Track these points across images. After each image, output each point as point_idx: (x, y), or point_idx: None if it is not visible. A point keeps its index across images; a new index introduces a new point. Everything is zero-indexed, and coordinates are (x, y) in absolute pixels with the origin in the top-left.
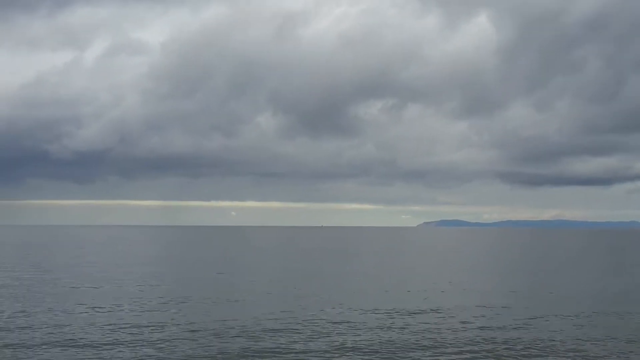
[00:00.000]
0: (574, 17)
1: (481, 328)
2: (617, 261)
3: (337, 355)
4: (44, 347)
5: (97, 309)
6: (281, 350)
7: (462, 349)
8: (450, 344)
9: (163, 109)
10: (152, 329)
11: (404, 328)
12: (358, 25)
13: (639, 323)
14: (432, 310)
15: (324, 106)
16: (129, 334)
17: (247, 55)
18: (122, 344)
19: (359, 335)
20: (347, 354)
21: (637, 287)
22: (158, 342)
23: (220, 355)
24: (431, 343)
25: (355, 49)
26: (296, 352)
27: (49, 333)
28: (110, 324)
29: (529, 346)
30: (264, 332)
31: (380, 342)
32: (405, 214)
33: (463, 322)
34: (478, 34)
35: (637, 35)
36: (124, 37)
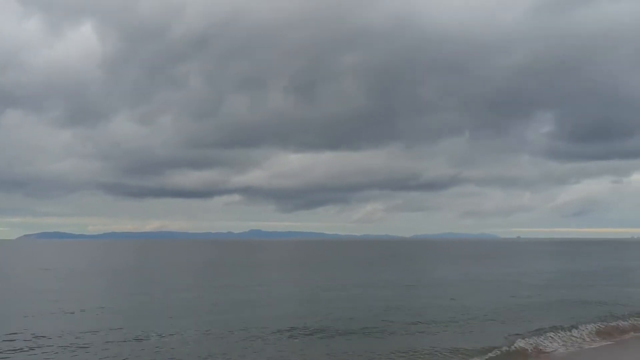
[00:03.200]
0: (177, 34)
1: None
2: (212, 270)
3: None
4: None
5: None
6: None
7: None
8: None
9: None
10: None
11: None
12: None
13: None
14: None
15: None
16: None
17: None
18: None
19: None
20: None
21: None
22: None
23: None
24: None
25: None
26: None
27: None
28: None
29: None
30: None
31: None
32: (2, 225)
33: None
34: (83, 43)
35: (236, 56)
36: None
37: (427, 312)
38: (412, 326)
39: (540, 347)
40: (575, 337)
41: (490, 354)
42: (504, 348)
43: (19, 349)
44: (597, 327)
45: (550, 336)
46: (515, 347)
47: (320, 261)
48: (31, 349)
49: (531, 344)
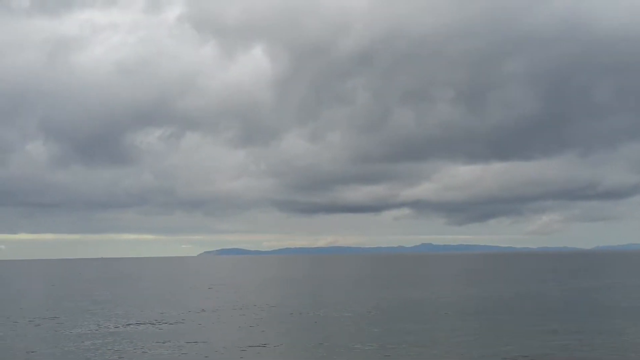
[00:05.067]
0: (342, 52)
1: None
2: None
3: None
4: None
5: None
6: None
7: None
8: None
9: None
10: None
11: None
12: (135, 53)
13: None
14: None
15: (99, 134)
16: None
17: (16, 81)
18: None
19: None
20: None
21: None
22: None
23: None
24: None
25: (131, 77)
26: None
27: None
28: None
29: None
30: None
31: None
32: (185, 243)
33: None
34: (254, 65)
35: (400, 70)
36: None
37: None
38: None
39: None
40: None
41: None
42: None
43: None
44: None
45: None
46: None
47: (512, 276)
48: None
49: None
